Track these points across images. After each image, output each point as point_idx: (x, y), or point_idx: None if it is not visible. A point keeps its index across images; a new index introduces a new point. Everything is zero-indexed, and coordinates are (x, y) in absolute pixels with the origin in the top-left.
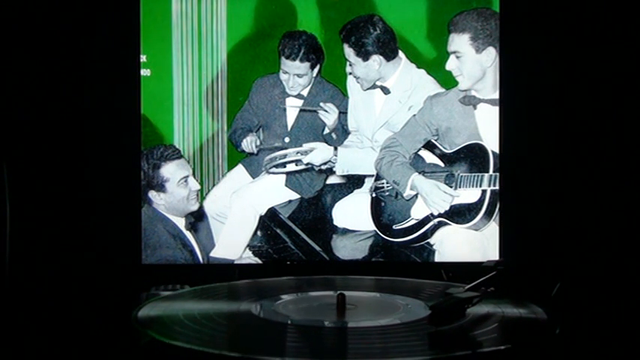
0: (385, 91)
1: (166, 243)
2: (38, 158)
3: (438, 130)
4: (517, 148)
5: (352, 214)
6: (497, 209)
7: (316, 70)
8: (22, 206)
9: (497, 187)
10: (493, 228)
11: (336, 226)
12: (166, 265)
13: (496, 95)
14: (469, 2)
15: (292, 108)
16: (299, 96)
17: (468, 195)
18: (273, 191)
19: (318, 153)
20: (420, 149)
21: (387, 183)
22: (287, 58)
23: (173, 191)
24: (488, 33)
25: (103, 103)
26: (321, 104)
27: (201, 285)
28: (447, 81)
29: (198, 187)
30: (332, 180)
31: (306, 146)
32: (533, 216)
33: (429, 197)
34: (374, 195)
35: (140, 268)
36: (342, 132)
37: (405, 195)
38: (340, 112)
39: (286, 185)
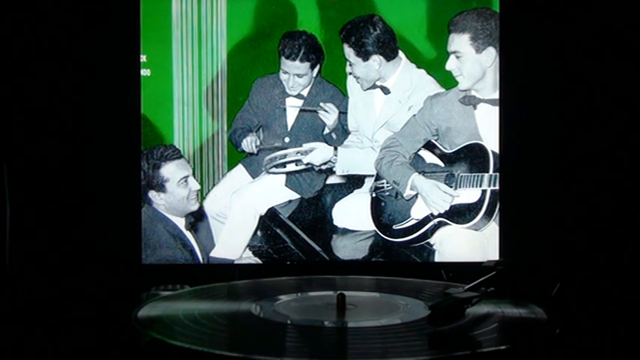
0: (385, 91)
1: (166, 243)
2: (38, 158)
3: (438, 130)
4: (517, 148)
5: (352, 214)
6: (497, 209)
7: (316, 70)
8: (22, 206)
9: (497, 187)
10: (493, 228)
11: (336, 226)
12: (166, 265)
13: (496, 95)
14: (469, 2)
15: (292, 108)
16: (299, 96)
17: (468, 195)
18: (273, 191)
19: (318, 153)
20: (420, 149)
21: (387, 183)
22: (287, 58)
23: (173, 191)
24: (488, 33)
25: (103, 103)
26: (321, 104)
27: (201, 285)
28: (447, 81)
29: (198, 187)
30: (332, 180)
31: (306, 146)
32: (533, 216)
33: (429, 197)
34: (374, 195)
35: (140, 268)
36: (342, 132)
37: (405, 195)
38: (340, 112)
39: (286, 185)
